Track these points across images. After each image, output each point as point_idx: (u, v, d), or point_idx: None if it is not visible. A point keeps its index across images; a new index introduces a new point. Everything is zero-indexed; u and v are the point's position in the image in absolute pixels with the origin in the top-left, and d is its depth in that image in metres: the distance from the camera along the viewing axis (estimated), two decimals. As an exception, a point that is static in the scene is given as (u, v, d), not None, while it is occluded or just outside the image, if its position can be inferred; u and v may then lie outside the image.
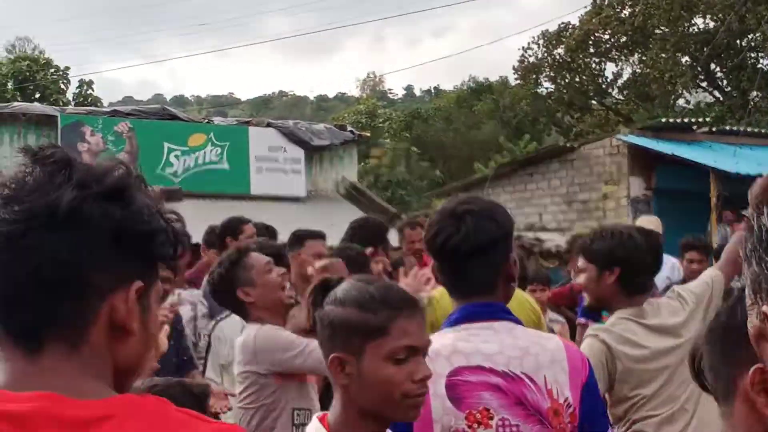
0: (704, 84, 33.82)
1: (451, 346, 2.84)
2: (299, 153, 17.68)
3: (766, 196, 1.23)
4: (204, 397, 3.36)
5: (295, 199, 17.07)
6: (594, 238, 4.13)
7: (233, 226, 6.73)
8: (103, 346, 1.33)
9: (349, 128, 20.50)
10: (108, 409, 1.27)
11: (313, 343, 3.96)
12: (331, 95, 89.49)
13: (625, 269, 3.85)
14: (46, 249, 1.26)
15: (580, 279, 4.08)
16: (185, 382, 3.61)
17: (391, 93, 71.36)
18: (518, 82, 36.42)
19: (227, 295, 4.24)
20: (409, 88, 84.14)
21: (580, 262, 4.02)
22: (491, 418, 2.77)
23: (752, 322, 1.18)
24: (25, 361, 1.31)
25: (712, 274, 4.29)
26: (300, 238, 6.07)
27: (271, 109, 69.94)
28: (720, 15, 30.58)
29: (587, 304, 4.46)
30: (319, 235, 6.20)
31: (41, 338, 1.30)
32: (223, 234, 6.68)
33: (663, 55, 31.39)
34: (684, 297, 4.12)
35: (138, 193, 1.33)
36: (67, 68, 32.04)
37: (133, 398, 1.33)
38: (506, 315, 2.95)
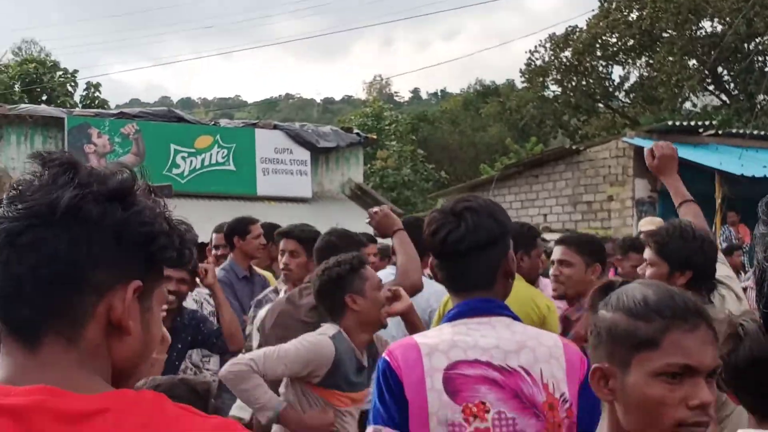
0: (711, 87, 34.22)
1: (450, 341, 2.85)
2: (305, 155, 18.07)
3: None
4: (207, 395, 3.39)
5: (301, 200, 17.37)
6: (670, 236, 4.04)
7: (242, 227, 6.81)
8: (101, 343, 1.35)
9: (356, 131, 20.84)
10: (104, 403, 1.30)
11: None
12: (337, 98, 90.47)
13: (696, 275, 3.82)
14: (46, 246, 1.29)
15: (648, 272, 3.94)
16: (188, 379, 3.67)
17: (397, 96, 72.12)
18: (525, 85, 36.92)
19: (334, 296, 4.30)
20: (415, 91, 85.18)
21: (649, 255, 3.96)
22: (487, 412, 2.77)
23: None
24: (24, 355, 1.33)
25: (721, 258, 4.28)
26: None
27: (278, 111, 70.58)
28: (728, 18, 30.85)
29: None
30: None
31: (39, 333, 1.32)
32: (231, 234, 6.77)
33: (670, 58, 31.62)
34: (732, 288, 4.16)
35: (141, 196, 1.36)
36: (75, 71, 31.92)
37: (129, 393, 1.35)
38: (504, 311, 2.96)
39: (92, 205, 1.30)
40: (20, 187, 1.32)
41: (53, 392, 1.28)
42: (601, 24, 33.25)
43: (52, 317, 1.32)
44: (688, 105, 34.26)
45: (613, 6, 33.71)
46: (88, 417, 1.28)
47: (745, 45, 32.14)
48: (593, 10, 34.93)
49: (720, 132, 19.98)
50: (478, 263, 2.89)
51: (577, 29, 34.64)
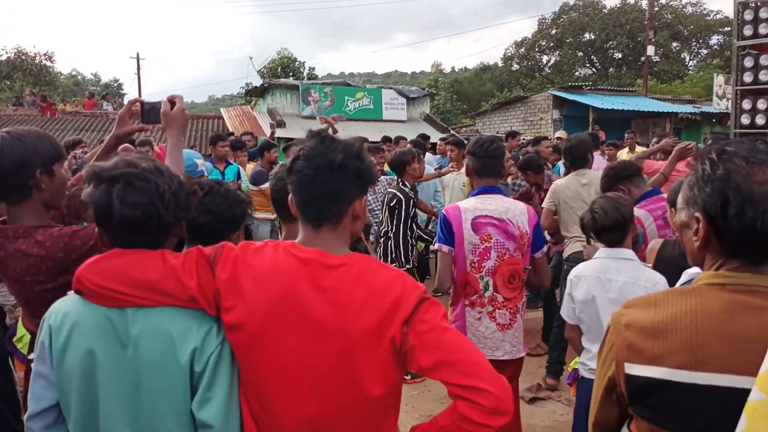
0: (587, 65, 50.79)
1: (473, 205, 3.71)
2: (404, 100, 25.96)
3: (704, 152, 1.58)
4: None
5: (401, 121, 24.63)
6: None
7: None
8: (348, 226, 1.94)
9: (426, 88, 31.58)
10: (344, 260, 1.88)
11: None
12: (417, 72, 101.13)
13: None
14: (327, 182, 1.86)
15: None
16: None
17: (442, 70, 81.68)
18: (502, 65, 48.96)
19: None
20: (452, 68, 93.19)
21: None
22: (491, 238, 3.69)
23: (680, 218, 1.59)
24: (312, 232, 1.93)
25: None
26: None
27: (393, 80, 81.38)
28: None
29: None
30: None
31: (321, 222, 1.92)
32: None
33: (569, 51, 47.56)
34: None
35: (367, 154, 1.91)
36: (303, 62, 46.72)
37: (358, 255, 1.91)
38: (500, 191, 3.81)
39: (348, 161, 1.86)
40: (308, 152, 1.88)
41: (322, 253, 1.88)
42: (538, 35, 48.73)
43: (328, 214, 1.90)
44: (578, 74, 49.54)
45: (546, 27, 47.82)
46: (337, 267, 1.88)
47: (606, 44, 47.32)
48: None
49: (591, 87, 27.47)
50: (493, 163, 3.77)
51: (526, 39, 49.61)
